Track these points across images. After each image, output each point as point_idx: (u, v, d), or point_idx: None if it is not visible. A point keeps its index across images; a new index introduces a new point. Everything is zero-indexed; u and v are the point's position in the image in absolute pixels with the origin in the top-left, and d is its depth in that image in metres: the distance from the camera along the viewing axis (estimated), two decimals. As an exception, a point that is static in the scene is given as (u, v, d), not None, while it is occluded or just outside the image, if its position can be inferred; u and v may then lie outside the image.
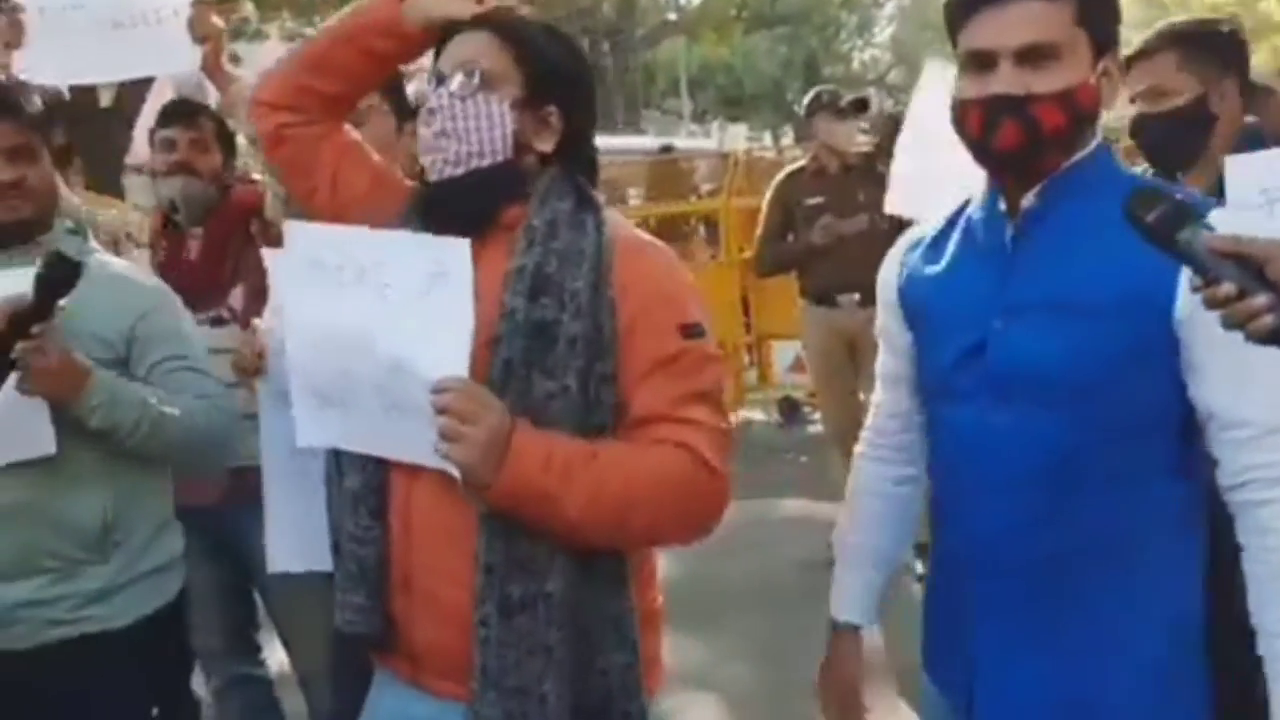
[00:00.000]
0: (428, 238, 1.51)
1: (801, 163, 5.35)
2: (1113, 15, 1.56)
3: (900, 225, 5.03)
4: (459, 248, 1.46)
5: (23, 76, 2.55)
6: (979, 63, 1.51)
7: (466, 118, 1.57)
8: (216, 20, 2.64)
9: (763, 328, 7.96)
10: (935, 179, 2.48)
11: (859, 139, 5.19)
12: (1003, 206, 1.57)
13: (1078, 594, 1.53)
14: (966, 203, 1.66)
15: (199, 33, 2.47)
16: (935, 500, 1.72)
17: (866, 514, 1.81)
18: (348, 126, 1.78)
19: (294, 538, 2.13)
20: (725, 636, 4.32)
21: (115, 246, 2.75)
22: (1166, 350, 1.46)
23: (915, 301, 1.69)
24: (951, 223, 1.68)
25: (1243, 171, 1.61)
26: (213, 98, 2.85)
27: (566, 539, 1.51)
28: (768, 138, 39.62)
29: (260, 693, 2.99)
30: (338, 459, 1.65)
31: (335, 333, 1.53)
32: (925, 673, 1.75)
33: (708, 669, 4.20)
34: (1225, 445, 1.46)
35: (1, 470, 1.96)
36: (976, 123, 1.52)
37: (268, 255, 2.28)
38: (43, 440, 1.93)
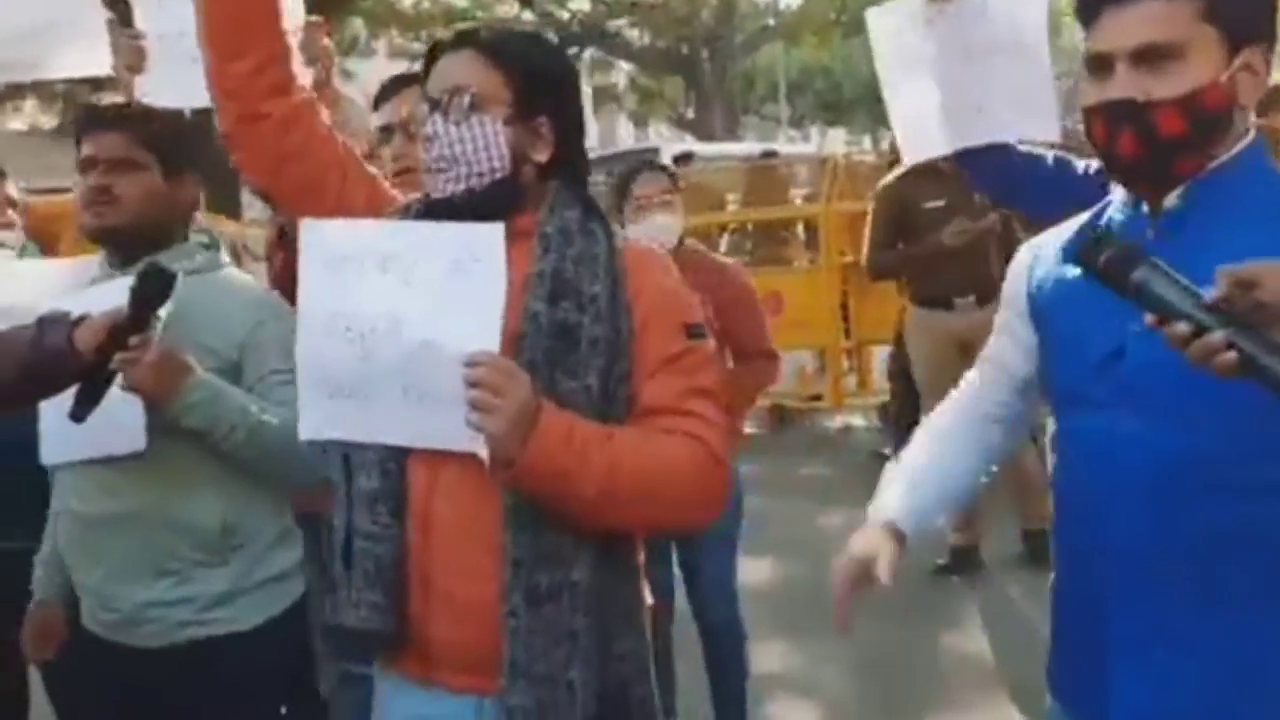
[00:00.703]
0: (458, 225, 1.59)
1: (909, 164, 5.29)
2: (1254, 5, 1.48)
3: (1008, 223, 5.00)
4: (492, 232, 1.54)
5: (143, 100, 2.67)
6: (1098, 66, 1.47)
7: (463, 141, 1.62)
8: (326, 41, 2.72)
9: (862, 333, 7.89)
10: (937, 111, 2.48)
11: None
12: (1144, 208, 1.51)
13: (1218, 597, 1.45)
14: (1106, 204, 1.60)
15: (308, 54, 2.55)
16: (1062, 515, 1.65)
17: (937, 440, 1.73)
18: (341, 139, 1.81)
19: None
20: (825, 645, 4.29)
21: (234, 261, 2.85)
22: None
23: (1046, 306, 1.63)
24: (1089, 224, 1.62)
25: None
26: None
27: (584, 519, 1.58)
28: (867, 141, 39.24)
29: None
30: (346, 462, 1.67)
31: (354, 321, 1.58)
32: (1052, 693, 1.68)
33: (807, 677, 4.17)
34: None
35: (121, 475, 2.06)
36: (1099, 132, 1.47)
37: None
38: (134, 437, 2.00)
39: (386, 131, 2.43)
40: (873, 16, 2.59)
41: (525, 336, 1.58)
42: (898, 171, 5.18)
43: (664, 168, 3.77)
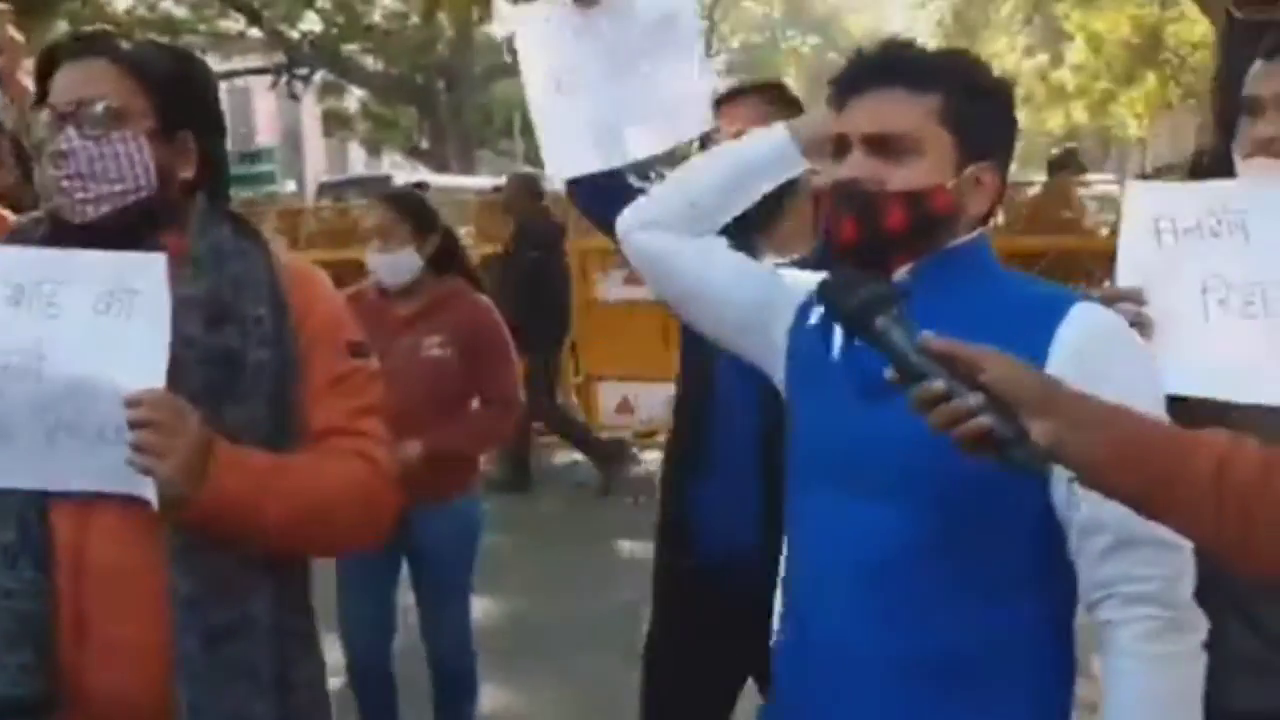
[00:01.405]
0: (111, 254, 1.49)
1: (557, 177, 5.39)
2: (992, 124, 1.50)
3: None
4: (154, 262, 1.47)
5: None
6: (837, 148, 1.50)
7: (104, 158, 1.52)
8: (14, 33, 2.52)
9: (591, 368, 8.02)
10: (587, 126, 2.37)
11: None
12: None
13: (926, 709, 1.43)
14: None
15: None
16: (787, 591, 1.64)
17: None
18: None
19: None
20: (547, 678, 4.30)
21: None
22: None
23: (800, 363, 1.61)
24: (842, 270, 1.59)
25: (1139, 198, 1.72)
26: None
27: (260, 550, 1.53)
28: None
29: None
30: None
31: None
32: None
33: (530, 711, 4.17)
34: (1083, 555, 1.40)
35: None
36: (826, 212, 1.50)
37: None
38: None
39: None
40: (521, 25, 2.49)
41: (183, 365, 1.48)
42: None
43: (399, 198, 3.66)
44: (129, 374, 1.42)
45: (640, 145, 2.38)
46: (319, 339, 1.61)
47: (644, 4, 2.35)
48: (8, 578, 1.50)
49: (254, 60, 24.09)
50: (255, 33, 21.82)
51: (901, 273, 1.49)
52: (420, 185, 11.13)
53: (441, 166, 24.09)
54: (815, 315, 1.58)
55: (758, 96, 2.41)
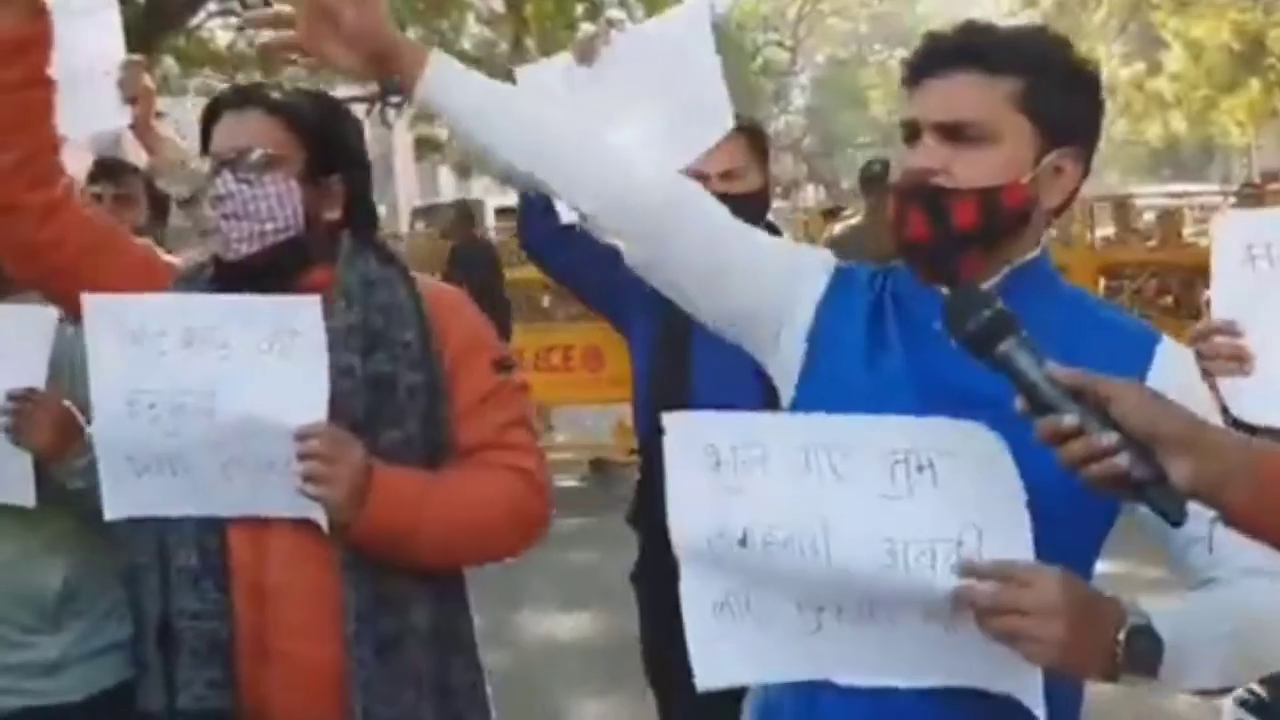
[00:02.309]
0: (272, 299, 1.59)
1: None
2: (1076, 108, 1.41)
3: None
4: (309, 305, 1.55)
5: None
6: (908, 134, 1.41)
7: (256, 199, 1.63)
8: (147, 80, 2.62)
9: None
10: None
11: None
12: (941, 294, 1.39)
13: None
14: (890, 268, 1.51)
15: (130, 92, 2.44)
16: None
17: None
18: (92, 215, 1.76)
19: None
20: (645, 700, 4.30)
21: None
22: None
23: (824, 344, 1.48)
24: (878, 279, 1.51)
25: (1229, 229, 1.66)
26: (131, 156, 2.83)
27: (421, 565, 1.62)
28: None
29: None
30: (159, 544, 1.62)
31: (157, 398, 1.55)
32: None
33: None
34: (1191, 560, 1.36)
35: None
36: (894, 208, 1.40)
37: None
38: (22, 489, 1.87)
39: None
40: (521, 76, 2.55)
41: (342, 394, 1.58)
42: (850, 223, 5.17)
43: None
44: (293, 409, 1.52)
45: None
46: (464, 358, 1.70)
47: (651, 43, 2.41)
48: (192, 599, 1.61)
49: (349, 89, 24.73)
50: (348, 63, 22.37)
51: (987, 286, 1.37)
52: (508, 211, 11.37)
53: (530, 189, 24.38)
54: (858, 299, 1.48)
55: (737, 135, 2.49)
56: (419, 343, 1.66)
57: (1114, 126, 30.70)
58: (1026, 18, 28.52)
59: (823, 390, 1.45)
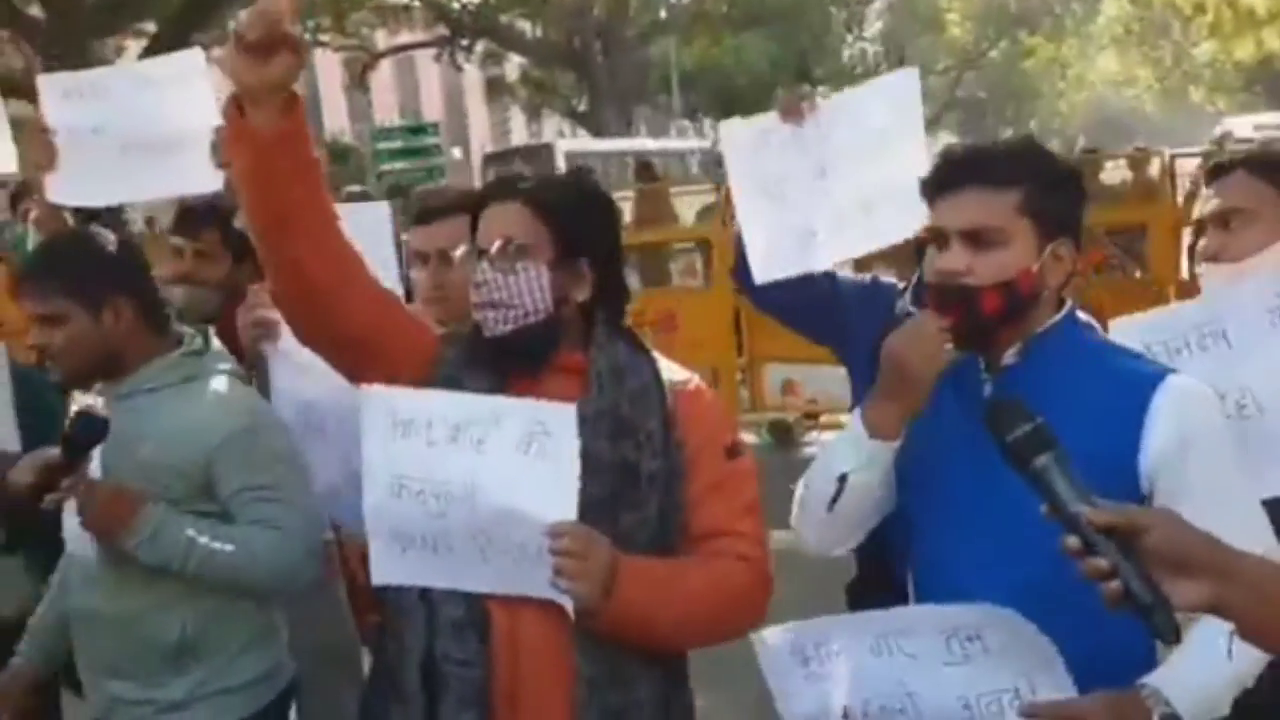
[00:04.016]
0: (527, 402, 1.71)
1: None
2: (1066, 202, 1.71)
3: None
4: (564, 412, 1.67)
5: (56, 200, 2.65)
6: (936, 239, 1.70)
7: (509, 286, 1.75)
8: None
9: (755, 350, 8.09)
10: (790, 232, 2.43)
11: None
12: (981, 364, 1.71)
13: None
14: None
15: (223, 159, 2.56)
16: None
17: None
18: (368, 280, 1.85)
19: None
20: (713, 692, 4.41)
21: None
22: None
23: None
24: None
25: (1126, 333, 1.91)
26: None
27: (653, 647, 1.76)
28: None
29: None
30: (425, 591, 1.78)
31: (425, 485, 1.71)
32: None
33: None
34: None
35: (104, 573, 2.12)
36: (933, 304, 1.70)
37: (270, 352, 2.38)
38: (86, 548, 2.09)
39: (420, 257, 2.40)
40: (725, 130, 2.60)
41: (589, 475, 1.69)
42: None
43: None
44: (546, 505, 1.64)
45: (841, 249, 2.44)
46: (701, 448, 1.79)
47: (858, 115, 2.41)
48: (458, 648, 1.75)
49: (419, 34, 24.77)
50: (420, 7, 22.39)
51: (1009, 355, 1.68)
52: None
53: (600, 128, 24.36)
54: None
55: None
56: (661, 432, 1.76)
57: (1199, 48, 29.56)
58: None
59: (905, 469, 1.76)
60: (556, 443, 1.65)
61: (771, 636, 1.67)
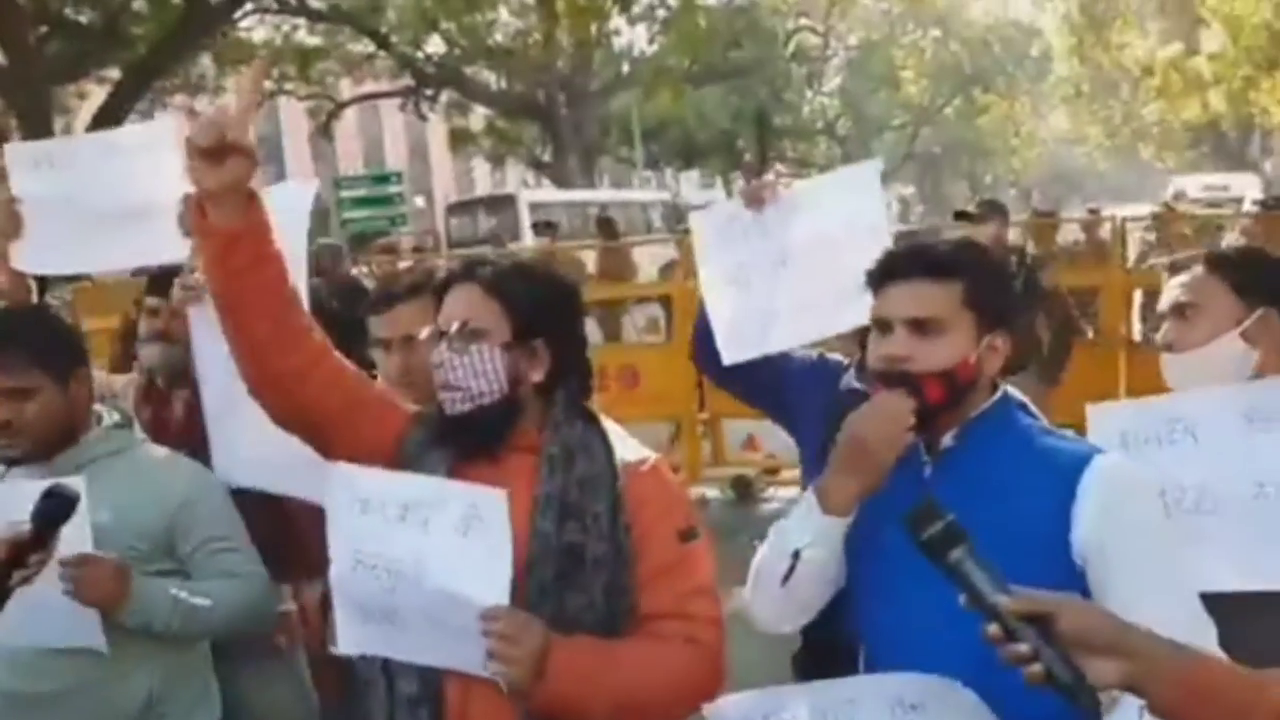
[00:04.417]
0: (465, 486, 1.75)
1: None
2: (1003, 297, 1.82)
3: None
4: (495, 498, 1.71)
5: (17, 266, 2.66)
6: (880, 327, 1.78)
7: (464, 368, 1.80)
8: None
9: (717, 406, 8.15)
10: (759, 314, 2.50)
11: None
12: (921, 446, 1.77)
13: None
14: None
15: (188, 228, 2.51)
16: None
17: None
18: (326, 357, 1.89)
19: (239, 454, 2.28)
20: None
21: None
22: (1069, 584, 1.56)
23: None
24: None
25: (1102, 419, 2.02)
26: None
27: None
28: (718, 184, 40.17)
29: None
30: (385, 664, 1.83)
31: (380, 560, 1.75)
32: None
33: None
34: None
35: (54, 658, 2.10)
36: (877, 390, 1.77)
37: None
38: (93, 635, 2.07)
39: (383, 344, 2.43)
40: (694, 219, 2.68)
41: (536, 559, 1.75)
42: None
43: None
44: (481, 587, 1.69)
45: (799, 333, 2.50)
46: (650, 531, 1.81)
47: (820, 204, 2.49)
48: None
49: (384, 83, 24.92)
50: (384, 58, 22.54)
51: (947, 438, 1.76)
52: (548, 225, 11.40)
53: (563, 179, 24.55)
54: None
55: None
56: (608, 515, 1.79)
57: (1148, 108, 30.33)
58: (1062, 1, 28.24)
59: (851, 542, 1.80)
60: (489, 527, 1.70)
61: (723, 706, 1.70)
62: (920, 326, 1.73)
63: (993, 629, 1.31)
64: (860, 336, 2.47)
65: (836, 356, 2.70)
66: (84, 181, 2.63)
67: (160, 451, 2.34)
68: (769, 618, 1.86)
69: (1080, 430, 1.99)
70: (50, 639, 2.10)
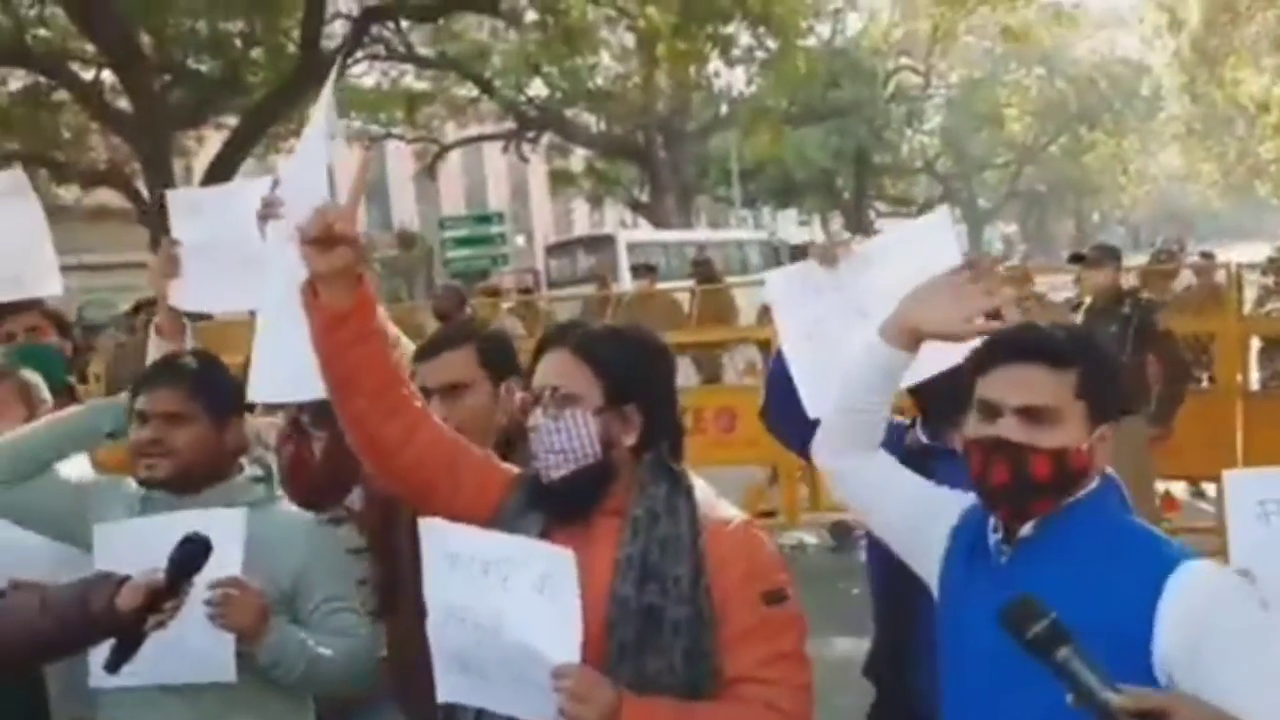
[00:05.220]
0: (541, 545, 1.79)
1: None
2: (1115, 388, 1.77)
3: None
4: (565, 559, 1.74)
5: (177, 305, 2.83)
6: (986, 410, 1.72)
7: (558, 433, 1.84)
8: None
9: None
10: (833, 370, 2.41)
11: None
12: (999, 534, 1.76)
13: None
14: (976, 512, 1.83)
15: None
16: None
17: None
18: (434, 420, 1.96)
19: (279, 370, 2.30)
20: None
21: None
22: (1144, 684, 1.50)
23: (944, 585, 1.86)
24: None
25: (1239, 486, 1.91)
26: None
27: None
28: (817, 223, 40.00)
29: None
30: (480, 713, 1.88)
31: (467, 614, 1.80)
32: None
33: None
34: None
35: (170, 696, 2.17)
36: (977, 460, 1.73)
37: None
38: (224, 668, 2.14)
39: (424, 393, 2.41)
40: (769, 279, 2.71)
41: (615, 621, 1.77)
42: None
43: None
44: (555, 645, 1.73)
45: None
46: (733, 594, 1.80)
47: (894, 256, 2.50)
48: None
49: (487, 126, 25.48)
50: (488, 101, 23.05)
51: (1027, 528, 1.72)
52: (648, 269, 11.47)
53: (661, 218, 24.75)
54: (966, 540, 1.83)
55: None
56: (689, 578, 1.79)
57: (1264, 145, 29.38)
58: (1173, 38, 27.62)
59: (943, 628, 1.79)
60: (560, 586, 1.73)
61: None
62: (1033, 415, 1.68)
63: None
64: (916, 395, 2.52)
65: (895, 418, 2.71)
66: (234, 226, 2.75)
67: (293, 510, 2.42)
68: (823, 440, 2.01)
69: (1193, 482, 1.92)
70: (182, 675, 2.17)
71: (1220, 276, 8.27)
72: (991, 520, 1.79)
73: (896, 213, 36.96)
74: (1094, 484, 1.74)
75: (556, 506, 1.87)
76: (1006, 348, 1.74)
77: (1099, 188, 46.39)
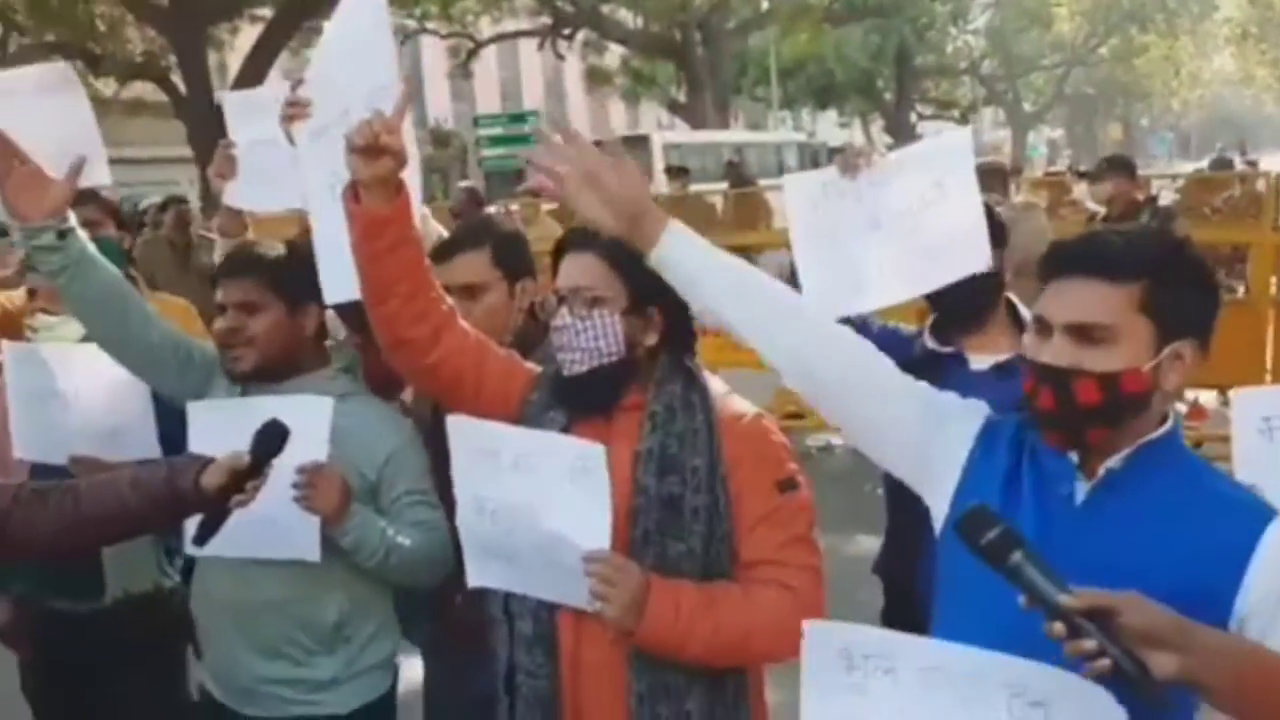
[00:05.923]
0: (571, 440, 1.88)
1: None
2: (1192, 306, 1.56)
3: None
4: (596, 452, 1.82)
5: (232, 204, 2.91)
6: (1039, 327, 1.58)
7: (585, 332, 1.92)
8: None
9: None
10: (843, 277, 2.52)
11: None
12: (1074, 460, 1.59)
13: None
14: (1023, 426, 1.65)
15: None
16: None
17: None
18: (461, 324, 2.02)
19: (342, 269, 2.29)
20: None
21: None
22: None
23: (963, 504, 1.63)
24: (1018, 440, 1.66)
25: (1246, 402, 1.89)
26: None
27: (693, 665, 1.89)
28: (857, 125, 39.30)
29: None
30: (507, 603, 2.00)
31: (497, 505, 1.90)
32: None
33: None
34: None
35: (261, 571, 2.30)
36: (1028, 382, 1.59)
37: None
38: (310, 547, 2.25)
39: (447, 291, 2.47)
40: (788, 183, 2.70)
41: (638, 509, 1.87)
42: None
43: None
44: (586, 532, 1.82)
45: (888, 294, 2.54)
46: (748, 483, 1.90)
47: (912, 170, 2.52)
48: (529, 661, 1.96)
49: (522, 22, 25.11)
50: (524, -3, 22.67)
51: (1115, 460, 1.56)
52: (681, 170, 11.39)
53: (698, 119, 24.43)
54: (999, 460, 1.65)
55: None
56: (707, 468, 1.89)
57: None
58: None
59: (954, 558, 1.58)
60: (592, 478, 1.81)
61: (825, 629, 1.51)
62: (1083, 333, 1.52)
63: (1056, 626, 1.32)
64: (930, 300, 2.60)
65: (906, 326, 2.77)
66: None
67: (376, 402, 2.46)
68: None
69: (1223, 391, 1.92)
70: (269, 551, 2.28)
71: (1261, 185, 8.13)
72: (1041, 440, 1.63)
73: (939, 115, 36.25)
74: (1168, 423, 1.59)
75: (578, 400, 1.95)
76: (1062, 259, 1.58)
77: (1149, 92, 45.17)
